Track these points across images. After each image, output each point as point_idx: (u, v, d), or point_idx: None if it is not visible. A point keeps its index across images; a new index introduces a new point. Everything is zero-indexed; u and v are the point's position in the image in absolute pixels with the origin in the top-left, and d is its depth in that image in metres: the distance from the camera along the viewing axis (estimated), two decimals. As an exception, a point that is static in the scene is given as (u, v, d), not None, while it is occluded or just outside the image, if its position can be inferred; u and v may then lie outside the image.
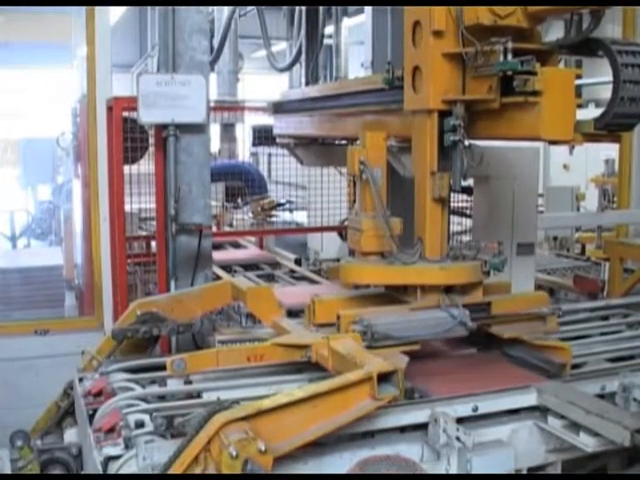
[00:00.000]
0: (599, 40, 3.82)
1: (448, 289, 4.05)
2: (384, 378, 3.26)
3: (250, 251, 8.92)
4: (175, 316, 4.66)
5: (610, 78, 3.65)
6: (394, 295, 4.24)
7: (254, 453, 2.81)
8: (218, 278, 6.42)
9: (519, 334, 4.10)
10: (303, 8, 7.27)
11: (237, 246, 9.28)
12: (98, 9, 6.49)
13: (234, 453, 2.77)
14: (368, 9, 6.15)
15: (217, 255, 7.86)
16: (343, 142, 6.81)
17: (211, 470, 2.88)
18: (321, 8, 7.10)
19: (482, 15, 3.70)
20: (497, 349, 4.31)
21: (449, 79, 3.89)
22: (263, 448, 2.82)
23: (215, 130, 12.44)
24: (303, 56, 7.47)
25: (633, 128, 3.87)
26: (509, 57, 3.55)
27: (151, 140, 6.18)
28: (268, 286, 4.82)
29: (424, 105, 3.96)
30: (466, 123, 3.87)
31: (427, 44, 3.87)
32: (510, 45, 3.57)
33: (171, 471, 2.89)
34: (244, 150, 12.10)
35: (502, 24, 3.72)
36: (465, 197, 6.38)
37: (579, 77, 3.82)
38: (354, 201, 4.33)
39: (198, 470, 2.89)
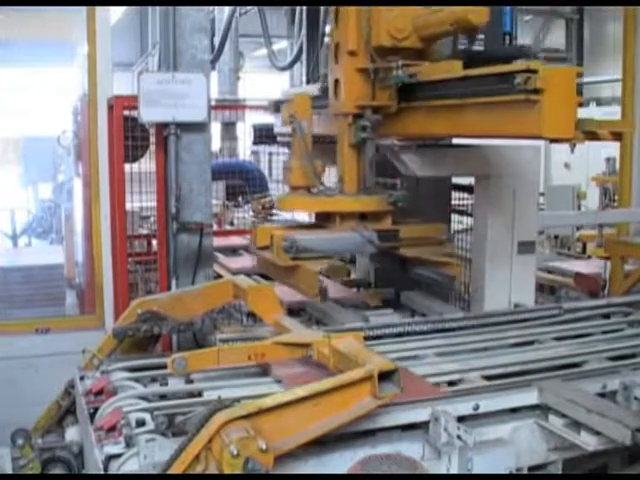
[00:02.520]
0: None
1: (362, 217, 4.83)
2: (385, 377, 3.27)
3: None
4: (176, 315, 4.65)
5: (611, 77, 3.67)
6: (320, 224, 5.02)
7: (255, 452, 2.81)
8: (219, 277, 6.42)
9: (419, 254, 4.92)
10: (304, 7, 7.27)
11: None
12: (99, 7, 6.49)
13: (235, 452, 2.77)
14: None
15: (234, 263, 7.54)
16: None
17: (212, 469, 2.88)
18: (322, 7, 7.10)
19: (384, 39, 4.57)
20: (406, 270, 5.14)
21: (361, 89, 4.77)
22: (264, 447, 2.82)
23: (216, 129, 12.44)
24: (304, 55, 7.47)
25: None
26: (400, 72, 4.44)
27: (152, 139, 6.18)
28: (269, 285, 4.83)
29: (342, 109, 4.89)
30: (375, 124, 4.75)
31: (344, 61, 4.79)
32: (400, 63, 4.46)
33: (172, 470, 2.89)
34: (245, 149, 12.08)
35: (401, 45, 4.59)
36: (466, 195, 6.37)
37: (580, 75, 3.81)
38: None
39: (199, 469, 2.89)
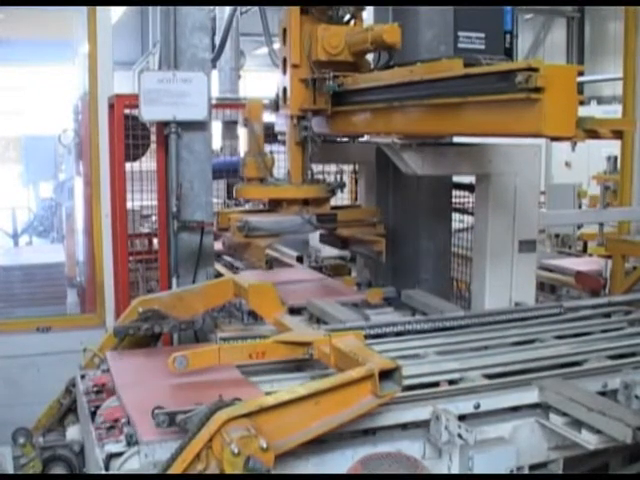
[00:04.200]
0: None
1: (305, 203, 5.53)
2: (385, 375, 3.27)
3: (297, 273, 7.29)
4: (177, 313, 4.66)
5: (612, 76, 3.66)
6: (271, 209, 5.70)
7: (256, 450, 2.81)
8: (219, 275, 6.42)
9: (354, 233, 5.75)
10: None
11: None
12: (99, 7, 6.49)
13: (236, 450, 2.78)
14: (370, 8, 6.17)
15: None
16: (345, 139, 6.81)
17: (213, 467, 2.89)
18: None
19: (320, 54, 5.28)
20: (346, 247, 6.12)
21: (303, 95, 5.47)
22: (265, 445, 2.82)
23: (217, 127, 12.42)
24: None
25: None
26: (331, 82, 5.18)
27: (153, 137, 6.18)
28: (270, 283, 4.85)
29: (289, 112, 5.58)
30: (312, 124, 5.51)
31: (290, 73, 5.50)
32: (332, 74, 5.19)
33: (173, 469, 2.89)
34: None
35: (336, 59, 5.28)
36: (467, 194, 6.38)
37: (581, 74, 3.81)
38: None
39: (200, 467, 2.90)
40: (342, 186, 5.79)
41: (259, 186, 5.68)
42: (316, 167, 6.63)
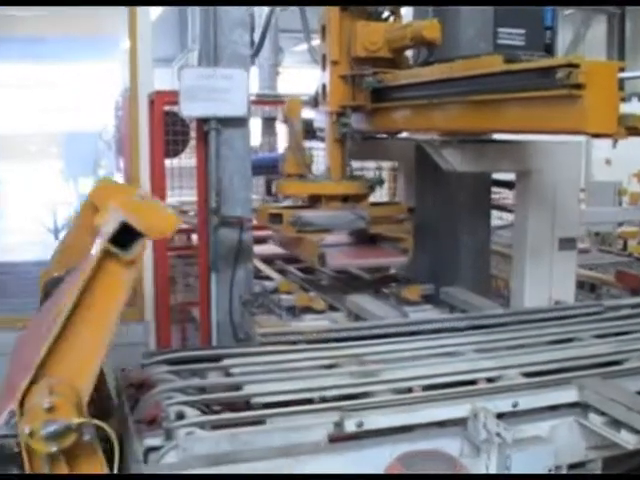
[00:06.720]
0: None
1: (345, 199, 5.66)
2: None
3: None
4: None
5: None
6: (311, 205, 5.75)
7: (44, 418, 2.69)
8: (259, 272, 6.44)
9: (383, 230, 5.78)
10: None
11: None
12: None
13: (27, 431, 2.69)
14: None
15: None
16: (384, 136, 6.80)
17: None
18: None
19: (360, 50, 5.37)
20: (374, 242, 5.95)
21: (343, 92, 5.56)
22: (47, 405, 2.67)
23: (256, 124, 12.46)
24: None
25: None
26: (370, 79, 5.26)
27: (192, 133, 6.22)
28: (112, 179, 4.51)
29: (328, 109, 5.69)
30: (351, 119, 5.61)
31: (329, 69, 5.61)
32: (372, 71, 5.30)
33: None
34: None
35: (375, 56, 5.37)
36: (505, 190, 6.36)
37: (622, 70, 3.78)
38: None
39: None
40: (381, 182, 5.90)
41: (299, 182, 5.78)
42: (355, 163, 6.67)
